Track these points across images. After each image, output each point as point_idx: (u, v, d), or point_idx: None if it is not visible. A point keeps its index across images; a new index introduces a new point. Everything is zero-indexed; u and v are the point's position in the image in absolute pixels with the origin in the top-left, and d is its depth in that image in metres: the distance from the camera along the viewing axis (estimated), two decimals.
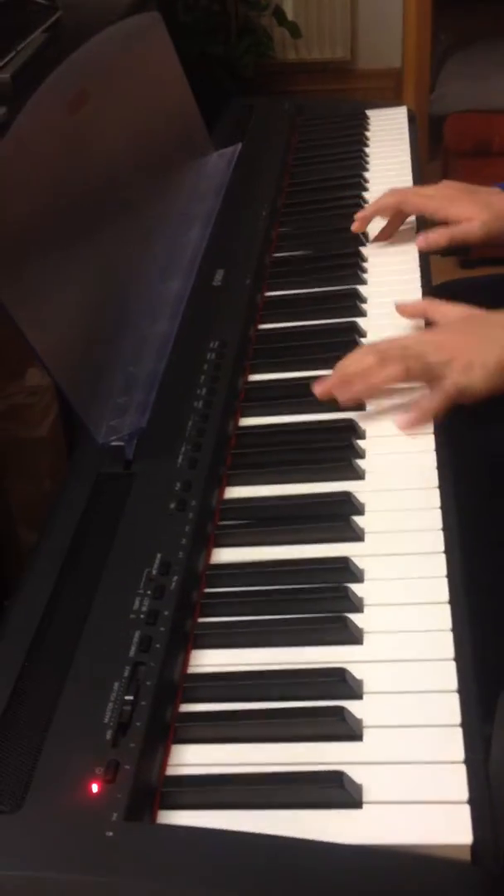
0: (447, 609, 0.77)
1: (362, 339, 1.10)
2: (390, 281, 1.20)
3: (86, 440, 0.93)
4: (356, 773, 0.66)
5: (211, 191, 1.35)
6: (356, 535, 0.85)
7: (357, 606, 0.79)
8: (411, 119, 1.63)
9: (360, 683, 0.73)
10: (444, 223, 1.22)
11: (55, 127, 1.02)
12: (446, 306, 1.06)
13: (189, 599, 0.80)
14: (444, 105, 2.76)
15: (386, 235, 1.28)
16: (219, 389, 1.00)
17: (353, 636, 0.76)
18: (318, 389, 0.99)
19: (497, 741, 0.77)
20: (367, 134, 1.59)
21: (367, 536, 0.86)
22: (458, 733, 0.68)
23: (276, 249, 1.30)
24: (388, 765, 0.67)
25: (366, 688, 0.73)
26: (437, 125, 2.77)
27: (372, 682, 0.73)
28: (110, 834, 0.62)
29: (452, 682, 0.72)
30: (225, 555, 0.86)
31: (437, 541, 0.83)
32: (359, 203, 1.36)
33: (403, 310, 1.09)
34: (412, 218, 1.29)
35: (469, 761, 0.66)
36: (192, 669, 0.76)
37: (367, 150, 1.53)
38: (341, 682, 0.72)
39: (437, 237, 1.21)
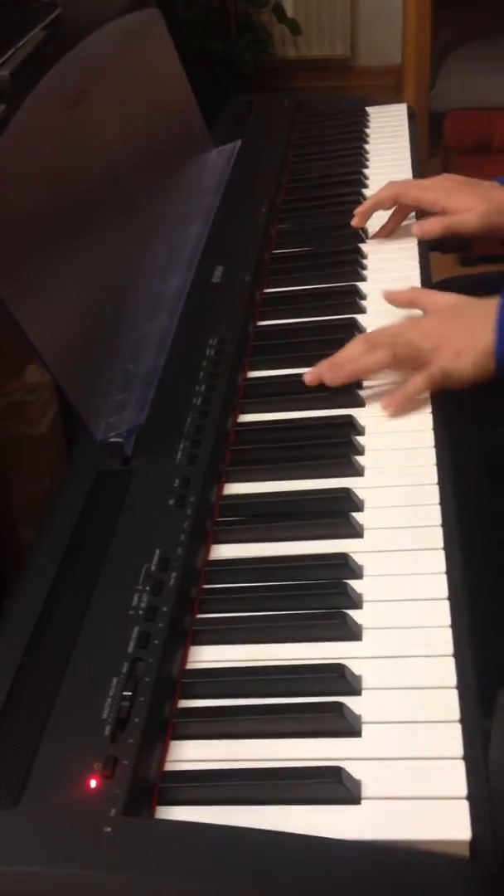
0: (446, 605, 0.77)
1: None
2: (390, 278, 1.19)
3: (85, 437, 0.93)
4: (355, 769, 0.66)
5: (210, 187, 1.35)
6: (355, 532, 0.85)
7: (356, 603, 0.79)
8: (411, 116, 1.62)
9: (358, 679, 0.73)
10: (441, 215, 1.22)
11: (54, 124, 1.02)
12: (435, 294, 1.07)
13: (188, 596, 0.80)
14: (445, 102, 2.75)
15: (387, 232, 1.28)
16: (218, 386, 1.00)
17: (351, 632, 0.76)
18: (309, 376, 1.00)
19: (496, 737, 0.77)
20: (367, 131, 1.58)
21: (366, 533, 0.86)
22: (457, 729, 0.68)
23: (276, 246, 1.30)
24: (386, 761, 0.67)
25: (364, 684, 0.73)
26: (438, 122, 2.77)
27: (371, 678, 0.73)
28: (108, 829, 0.62)
29: (451, 678, 0.72)
30: (224, 551, 0.86)
31: (437, 537, 0.83)
32: (358, 200, 1.35)
33: (392, 298, 1.11)
34: (413, 215, 1.29)
35: (468, 757, 0.67)
36: (190, 665, 0.76)
37: (366, 146, 1.53)
38: (340, 678, 0.72)
39: (431, 225, 1.21)
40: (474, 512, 0.92)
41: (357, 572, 0.82)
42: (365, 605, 0.79)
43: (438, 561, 0.81)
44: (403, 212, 1.27)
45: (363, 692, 0.72)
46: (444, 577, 0.80)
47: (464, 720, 0.69)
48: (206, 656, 0.77)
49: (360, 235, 1.28)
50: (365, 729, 0.70)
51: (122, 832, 0.62)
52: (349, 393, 1.01)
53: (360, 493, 0.89)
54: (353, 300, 1.16)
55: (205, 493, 0.88)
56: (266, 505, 0.90)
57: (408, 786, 0.66)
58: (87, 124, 1.08)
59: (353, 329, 1.10)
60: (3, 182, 0.89)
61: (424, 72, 2.86)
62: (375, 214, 1.29)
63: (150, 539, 0.82)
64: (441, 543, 0.83)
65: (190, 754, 0.70)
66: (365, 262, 1.24)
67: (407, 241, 1.26)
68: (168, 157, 1.30)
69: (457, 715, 0.69)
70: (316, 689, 0.72)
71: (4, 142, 0.93)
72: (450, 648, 0.74)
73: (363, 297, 1.17)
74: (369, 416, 0.99)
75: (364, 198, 1.36)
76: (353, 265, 1.22)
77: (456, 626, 0.76)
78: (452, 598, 0.78)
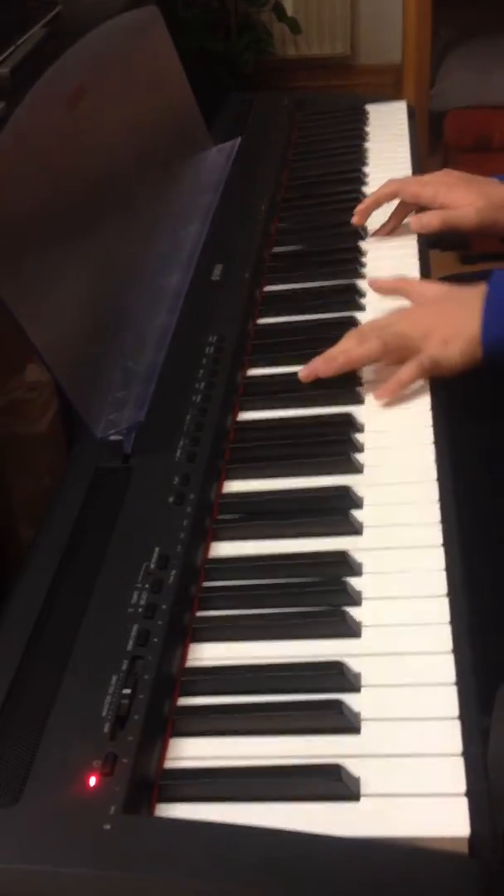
0: (445, 602, 0.77)
1: None
2: (389, 276, 1.19)
3: (85, 435, 0.93)
4: (354, 766, 0.66)
5: (210, 186, 1.35)
6: (354, 529, 0.85)
7: (355, 600, 0.79)
8: (411, 114, 1.62)
9: (357, 677, 0.73)
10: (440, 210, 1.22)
11: (54, 122, 1.02)
12: (420, 283, 1.09)
13: (187, 593, 0.80)
14: (445, 100, 2.75)
15: (388, 230, 1.28)
16: (217, 384, 1.00)
17: (351, 629, 0.76)
18: (303, 373, 1.01)
19: (495, 734, 0.77)
20: (367, 129, 1.58)
21: (365, 530, 0.86)
22: (456, 726, 0.68)
23: (275, 244, 1.30)
24: (385, 758, 0.67)
25: (364, 681, 0.73)
26: (438, 121, 2.76)
27: (370, 675, 0.73)
28: (108, 827, 0.62)
29: (450, 675, 0.72)
30: (223, 549, 0.86)
31: (436, 534, 0.83)
32: (358, 198, 1.35)
33: (377, 285, 1.12)
34: (413, 212, 1.29)
35: (467, 754, 0.66)
36: (190, 663, 0.76)
37: (366, 145, 1.53)
38: (339, 676, 0.72)
39: (430, 219, 1.21)
40: (474, 509, 0.92)
41: (356, 569, 0.82)
42: (364, 603, 0.79)
43: (438, 558, 0.81)
44: (404, 210, 1.27)
45: (362, 689, 0.72)
46: (444, 574, 0.80)
47: (463, 717, 0.69)
48: (206, 654, 0.77)
49: (360, 233, 1.28)
50: (364, 726, 0.70)
51: (121, 830, 0.62)
52: (348, 390, 1.01)
53: (360, 491, 0.89)
54: (352, 298, 1.16)
55: (204, 491, 0.88)
56: (265, 502, 0.90)
57: (407, 783, 0.66)
58: (86, 122, 1.08)
59: (352, 327, 1.10)
60: (2, 180, 0.89)
61: (424, 70, 2.86)
62: (375, 212, 1.29)
63: (149, 537, 0.82)
64: (440, 540, 0.83)
65: (189, 752, 0.70)
66: (364, 260, 1.24)
67: (406, 238, 1.26)
68: (167, 156, 1.30)
69: (456, 712, 0.69)
70: (315, 686, 0.72)
71: (4, 139, 0.92)
72: (449, 645, 0.74)
73: (362, 295, 1.16)
74: (369, 414, 0.99)
75: (364, 196, 1.36)
76: (352, 263, 1.22)
77: (455, 623, 0.76)
78: (451, 595, 0.78)
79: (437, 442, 0.94)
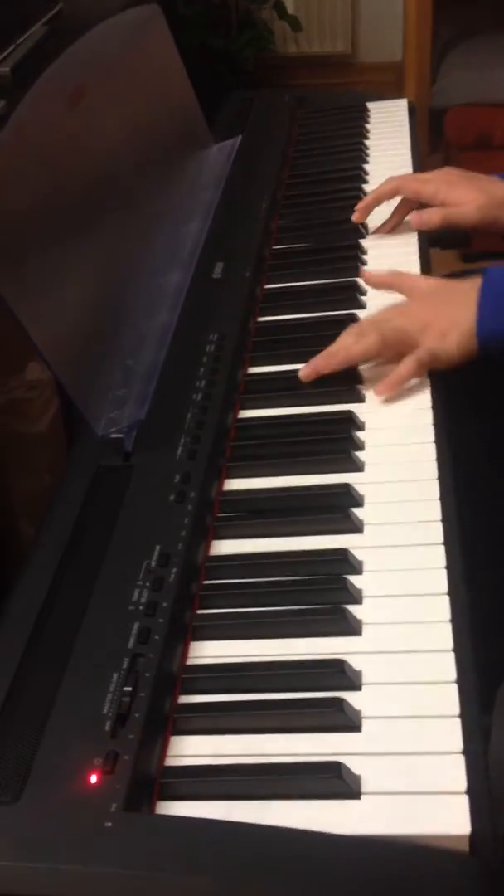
0: (446, 600, 0.77)
1: None
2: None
3: (86, 433, 0.93)
4: (355, 764, 0.66)
5: (211, 183, 1.35)
6: (355, 527, 0.85)
7: (356, 598, 0.79)
8: (411, 111, 1.62)
9: (358, 675, 0.73)
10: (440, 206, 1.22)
11: (54, 120, 1.02)
12: (414, 278, 1.10)
13: (188, 591, 0.80)
14: (445, 98, 2.75)
15: (389, 227, 1.28)
16: (218, 382, 1.00)
17: (351, 627, 0.76)
18: (304, 372, 1.02)
19: (496, 733, 0.77)
20: (368, 126, 1.58)
21: (366, 528, 0.86)
22: (457, 724, 0.68)
23: (276, 242, 1.30)
24: (386, 755, 0.67)
25: (364, 679, 0.73)
26: (438, 118, 2.76)
27: (371, 673, 0.73)
28: (109, 824, 0.62)
29: (451, 673, 0.72)
30: (224, 546, 0.86)
31: (437, 532, 0.83)
32: (359, 196, 1.35)
33: (371, 279, 1.13)
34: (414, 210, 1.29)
35: (468, 752, 0.66)
36: (190, 661, 0.76)
37: (367, 142, 1.53)
38: (340, 674, 0.72)
39: (430, 216, 1.21)
40: (474, 507, 0.92)
41: (357, 568, 0.82)
42: (365, 601, 0.79)
43: (438, 556, 0.81)
44: (405, 207, 1.27)
45: (363, 687, 0.72)
46: (445, 572, 0.80)
47: (463, 715, 0.69)
48: (207, 652, 0.77)
49: (361, 231, 1.28)
50: (365, 724, 0.70)
51: (122, 827, 0.62)
52: (349, 388, 1.01)
53: (360, 489, 0.89)
54: (353, 296, 1.16)
55: (205, 489, 0.88)
56: (266, 500, 0.90)
57: (407, 781, 0.66)
58: (87, 120, 1.08)
59: (353, 324, 1.10)
60: (3, 178, 0.89)
61: (425, 68, 2.86)
62: (376, 210, 1.29)
63: (150, 535, 0.82)
64: (441, 538, 0.83)
65: (190, 749, 0.70)
66: (365, 257, 1.24)
67: (407, 236, 1.26)
68: (168, 153, 1.30)
69: (456, 710, 0.69)
70: (316, 684, 0.72)
71: (5, 138, 0.92)
72: (450, 644, 0.74)
73: (363, 293, 1.16)
74: (369, 412, 0.99)
75: (364, 193, 1.36)
76: (353, 261, 1.22)
77: (456, 621, 0.76)
78: (452, 593, 0.78)
79: (438, 440, 0.94)
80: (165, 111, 1.33)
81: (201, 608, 0.80)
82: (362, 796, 0.65)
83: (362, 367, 1.04)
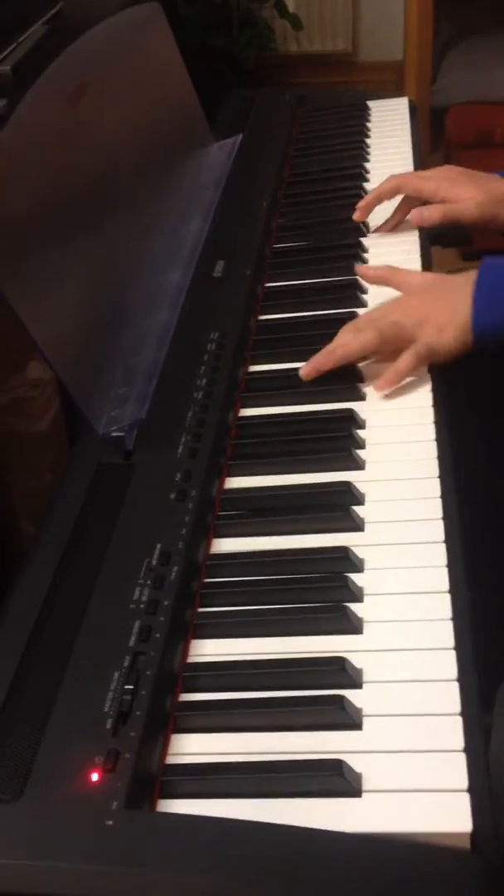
0: (447, 598, 0.77)
1: None
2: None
3: (87, 432, 0.93)
4: (356, 762, 0.66)
5: (211, 182, 1.35)
6: (356, 525, 0.85)
7: (357, 596, 0.79)
8: (412, 110, 1.62)
9: (359, 672, 0.73)
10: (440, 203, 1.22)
11: (55, 119, 1.02)
12: (408, 273, 1.10)
13: (189, 589, 0.80)
14: (446, 96, 2.75)
15: (391, 225, 1.28)
16: (219, 380, 1.00)
17: (352, 625, 0.76)
18: (304, 371, 1.02)
19: (497, 731, 0.77)
20: (369, 125, 1.58)
21: (366, 526, 0.86)
22: (458, 722, 0.68)
23: (277, 240, 1.30)
24: (387, 754, 0.67)
25: (365, 677, 0.73)
26: (439, 117, 2.76)
27: (372, 671, 0.73)
28: (110, 822, 0.62)
29: (452, 671, 0.72)
30: (225, 545, 0.86)
31: (438, 530, 0.83)
32: (360, 194, 1.35)
33: (364, 273, 1.13)
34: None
35: (469, 750, 0.66)
36: (191, 659, 0.76)
37: (368, 140, 1.53)
38: (341, 672, 0.72)
39: (430, 213, 1.21)
40: (475, 506, 0.92)
41: (358, 566, 0.82)
42: (366, 599, 0.79)
43: (440, 554, 0.81)
44: (407, 205, 1.27)
45: (364, 685, 0.72)
46: (446, 570, 0.80)
47: (465, 713, 0.69)
48: (208, 650, 0.77)
49: (362, 229, 1.28)
50: (366, 722, 0.70)
51: (123, 825, 0.62)
52: (350, 387, 1.01)
53: (361, 487, 0.89)
54: (353, 294, 1.15)
55: (206, 487, 0.88)
56: (267, 499, 0.90)
57: (409, 778, 0.66)
58: (87, 119, 1.08)
59: None
60: (3, 177, 0.89)
61: (426, 67, 2.85)
62: (377, 209, 1.29)
63: (151, 533, 0.82)
64: (442, 537, 0.83)
65: (191, 748, 0.70)
66: (366, 256, 1.24)
67: (408, 235, 1.26)
68: (169, 152, 1.30)
69: (458, 708, 0.69)
70: (317, 682, 0.72)
71: (5, 137, 0.92)
72: (451, 641, 0.74)
73: (364, 291, 1.16)
74: (370, 410, 0.99)
75: (365, 192, 1.36)
76: (353, 259, 1.22)
77: (457, 619, 0.76)
78: (453, 591, 0.78)
79: (439, 438, 0.94)
80: (166, 110, 1.33)
81: (202, 606, 0.80)
82: (363, 794, 0.65)
83: (363, 365, 1.04)
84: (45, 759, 0.66)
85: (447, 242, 1.29)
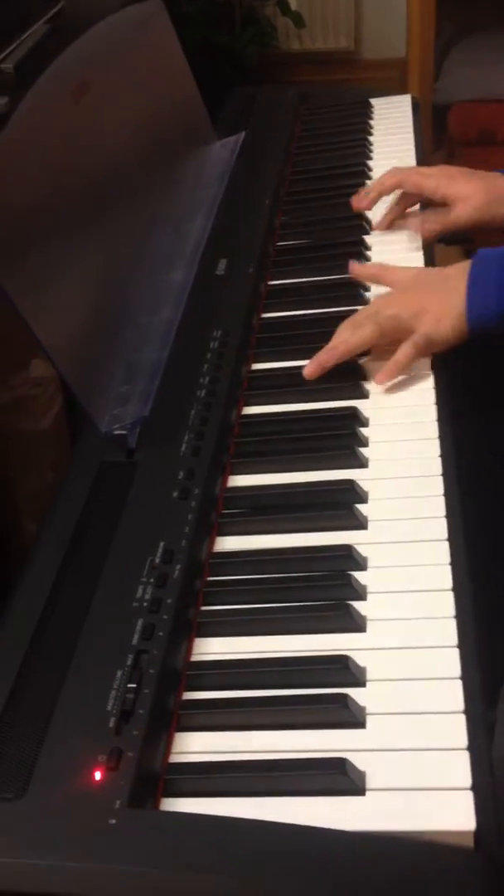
0: (450, 596, 0.77)
1: None
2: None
3: (89, 429, 0.93)
4: (359, 760, 0.66)
5: (214, 180, 1.35)
6: (359, 523, 0.85)
7: (360, 594, 0.79)
8: (415, 107, 1.62)
9: (363, 671, 0.73)
10: (442, 203, 1.22)
11: (58, 116, 1.02)
12: (397, 270, 1.11)
13: (192, 587, 0.80)
14: (449, 94, 2.74)
15: (389, 220, 1.27)
16: (222, 378, 0.99)
17: (356, 624, 0.76)
18: (308, 370, 1.02)
19: (501, 728, 0.77)
20: (371, 122, 1.58)
21: (370, 524, 0.85)
22: (462, 720, 0.68)
23: (280, 238, 1.30)
24: (390, 752, 0.67)
25: (369, 675, 0.73)
26: (442, 114, 2.76)
27: (375, 669, 0.73)
28: (113, 821, 0.62)
29: (456, 669, 0.72)
30: (228, 543, 0.86)
31: (441, 528, 0.83)
32: None
33: (357, 272, 1.14)
34: (416, 207, 1.29)
35: (472, 748, 0.66)
36: (194, 657, 0.76)
37: (370, 138, 1.53)
38: (344, 670, 0.72)
39: (430, 226, 1.22)
40: (479, 504, 0.92)
41: (361, 564, 0.81)
42: (369, 597, 0.79)
43: (443, 552, 0.81)
44: (406, 201, 1.27)
45: (367, 683, 0.72)
46: (449, 568, 0.80)
47: (468, 711, 0.69)
48: (211, 648, 0.77)
49: (364, 227, 1.28)
50: (369, 720, 0.69)
51: (126, 824, 0.62)
52: (353, 385, 1.01)
53: (365, 485, 0.89)
54: (356, 292, 1.15)
55: (209, 485, 0.88)
56: (270, 497, 0.90)
57: (412, 777, 0.66)
58: (90, 116, 1.07)
59: None
60: (6, 175, 0.89)
61: (428, 64, 2.85)
62: (378, 206, 1.29)
63: (154, 531, 0.82)
64: (445, 535, 0.82)
65: (194, 746, 0.70)
66: (369, 253, 1.24)
67: (411, 232, 1.26)
68: (171, 150, 1.30)
69: (461, 706, 0.69)
70: (320, 680, 0.72)
71: (8, 135, 0.92)
72: (454, 639, 0.74)
73: (367, 289, 1.16)
74: (373, 408, 0.99)
75: None
76: (356, 257, 1.22)
77: (460, 617, 0.75)
78: (456, 589, 0.78)
79: (442, 436, 0.93)
80: (168, 107, 1.32)
81: (205, 605, 0.80)
82: (367, 792, 0.65)
83: (365, 363, 1.04)
84: (48, 757, 0.66)
85: (450, 240, 1.29)
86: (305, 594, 0.79)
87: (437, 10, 2.76)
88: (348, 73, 3.17)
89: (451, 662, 0.72)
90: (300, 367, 1.03)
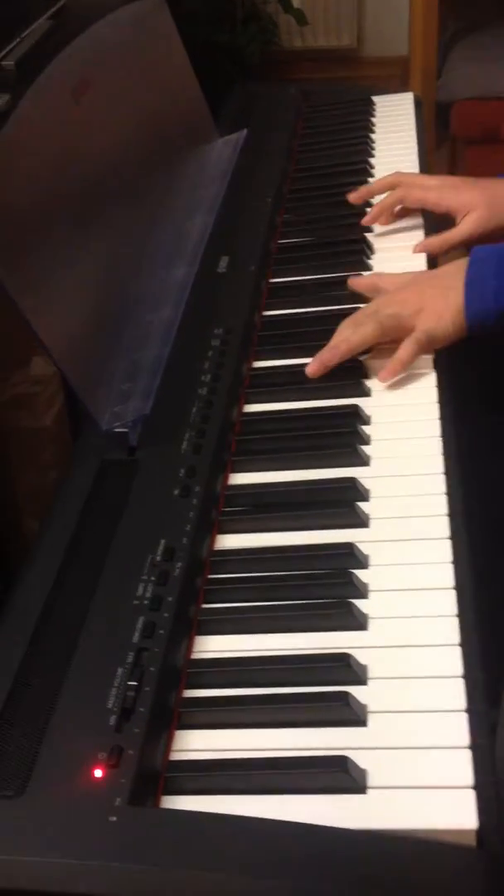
0: (453, 594, 0.77)
1: None
2: (396, 268, 1.19)
3: (90, 427, 0.93)
4: (360, 759, 0.66)
5: (216, 177, 1.35)
6: (361, 521, 0.85)
7: (362, 592, 0.79)
8: (417, 105, 1.62)
9: (364, 669, 0.73)
10: (445, 214, 1.22)
11: (59, 114, 1.02)
12: (391, 275, 1.12)
13: (193, 585, 0.80)
14: (451, 92, 2.74)
15: (385, 215, 1.27)
16: (223, 376, 0.99)
17: (357, 622, 0.76)
18: (310, 369, 1.02)
19: (503, 730, 0.76)
20: (373, 120, 1.58)
21: (371, 522, 0.85)
22: (464, 719, 0.68)
23: (281, 236, 1.29)
24: (392, 750, 0.67)
25: (370, 673, 0.72)
26: (444, 112, 2.76)
27: (376, 667, 0.73)
28: (114, 819, 0.62)
29: (458, 667, 0.72)
30: (229, 541, 0.86)
31: (443, 526, 0.83)
32: None
33: (355, 284, 1.14)
34: (419, 219, 1.28)
35: (474, 746, 0.66)
36: (195, 655, 0.76)
37: (372, 136, 1.53)
38: (346, 668, 0.72)
39: (430, 244, 1.21)
40: (482, 502, 0.91)
41: (363, 562, 0.81)
42: (371, 595, 0.79)
43: (445, 550, 0.81)
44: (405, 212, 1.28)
45: (369, 682, 0.72)
46: (451, 566, 0.79)
47: (470, 710, 0.69)
48: (212, 646, 0.77)
49: (366, 226, 1.28)
50: (371, 718, 0.69)
51: (127, 822, 0.62)
52: (355, 383, 1.01)
53: (366, 483, 0.89)
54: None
55: (210, 483, 0.88)
56: (271, 495, 0.90)
57: (414, 775, 0.65)
58: (91, 114, 1.07)
59: None
60: (7, 173, 0.89)
61: (431, 62, 2.85)
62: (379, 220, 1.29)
63: (155, 529, 0.82)
64: (447, 533, 0.82)
65: (195, 744, 0.70)
66: (371, 252, 1.23)
67: (413, 231, 1.26)
68: (173, 147, 1.30)
69: (463, 704, 0.69)
70: (321, 678, 0.72)
71: (9, 131, 0.92)
72: (456, 638, 0.74)
73: None
74: (375, 406, 0.98)
75: None
76: (358, 255, 1.22)
77: (462, 615, 0.75)
78: (459, 587, 0.78)
79: (444, 434, 0.93)
80: (170, 105, 1.32)
81: (206, 602, 0.80)
82: (368, 791, 0.65)
83: (366, 361, 1.04)
84: (49, 755, 0.66)
85: None
86: (307, 592, 0.79)
87: (439, 7, 2.76)
88: (350, 70, 3.17)
89: (454, 661, 0.72)
90: (302, 365, 1.03)
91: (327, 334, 1.05)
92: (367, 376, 1.02)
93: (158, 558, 0.79)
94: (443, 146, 2.86)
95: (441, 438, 0.93)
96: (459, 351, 1.03)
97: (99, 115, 1.09)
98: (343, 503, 0.87)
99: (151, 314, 1.07)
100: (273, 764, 0.67)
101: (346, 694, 0.70)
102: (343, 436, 0.94)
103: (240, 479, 0.93)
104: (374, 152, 1.48)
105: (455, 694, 0.70)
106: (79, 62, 1.08)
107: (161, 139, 1.26)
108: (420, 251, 1.21)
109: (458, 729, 0.67)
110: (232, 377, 1.00)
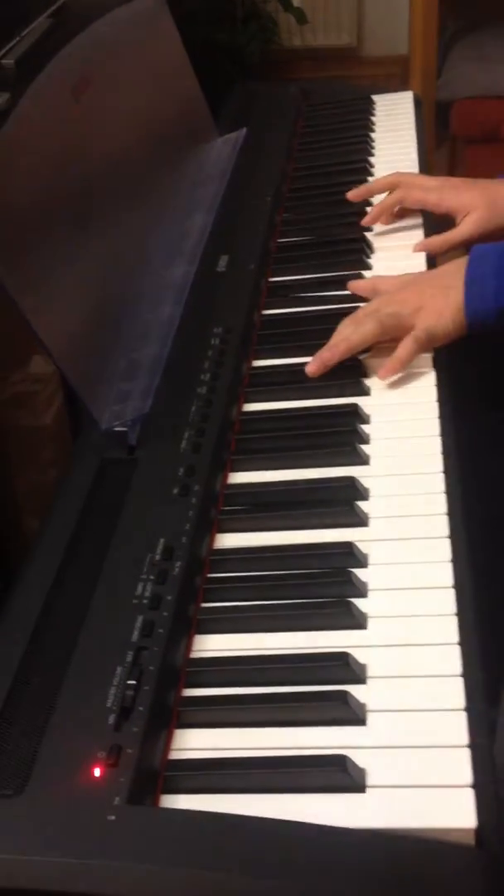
0: (452, 594, 0.77)
1: None
2: (396, 267, 1.19)
3: (90, 426, 0.93)
4: (359, 758, 0.66)
5: (215, 176, 1.35)
6: (360, 520, 0.85)
7: (361, 591, 0.79)
8: (417, 104, 1.62)
9: (363, 668, 0.73)
10: (445, 215, 1.22)
11: (58, 112, 1.02)
12: (389, 277, 1.12)
13: (192, 584, 0.80)
14: (451, 91, 2.74)
15: (384, 216, 1.27)
16: (223, 375, 0.99)
17: (356, 621, 0.76)
18: (310, 368, 1.02)
19: (502, 726, 0.76)
20: (373, 119, 1.58)
21: (371, 521, 0.85)
22: (463, 717, 0.68)
23: (281, 235, 1.29)
24: (391, 749, 0.67)
25: (369, 672, 0.72)
26: (444, 111, 2.75)
27: (375, 666, 0.73)
28: (113, 818, 0.62)
29: (457, 666, 0.72)
30: (228, 540, 0.86)
31: (442, 525, 0.83)
32: None
33: (355, 287, 1.14)
34: (418, 220, 1.28)
35: (473, 745, 0.66)
36: (194, 654, 0.76)
37: (372, 135, 1.53)
38: (345, 667, 0.72)
39: (431, 244, 1.21)
40: (481, 501, 0.91)
41: (362, 561, 0.81)
42: (370, 594, 0.79)
43: (444, 549, 0.81)
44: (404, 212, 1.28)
45: (368, 681, 0.72)
46: (450, 565, 0.79)
47: (469, 708, 0.69)
48: (211, 645, 0.77)
49: (366, 225, 1.28)
50: (370, 717, 0.69)
51: (126, 821, 0.62)
52: (354, 382, 1.01)
53: (366, 482, 0.89)
54: None
55: (209, 482, 0.88)
56: (271, 494, 0.90)
57: (413, 774, 0.65)
58: (91, 112, 1.07)
59: None
60: (6, 171, 0.89)
61: (431, 61, 2.84)
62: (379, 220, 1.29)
63: (154, 528, 0.82)
64: (447, 532, 0.82)
65: (194, 743, 0.70)
66: (371, 251, 1.23)
67: (412, 230, 1.26)
68: (173, 146, 1.30)
69: (462, 703, 0.69)
70: (321, 677, 0.72)
71: (8, 130, 0.92)
72: (455, 637, 0.74)
73: None
74: (374, 405, 0.98)
75: None
76: (358, 254, 1.22)
77: (462, 614, 0.75)
78: (458, 586, 0.78)
79: (444, 433, 0.93)
80: (170, 103, 1.32)
81: (205, 601, 0.80)
82: (367, 790, 0.65)
83: (366, 360, 1.04)
84: (48, 754, 0.66)
85: None
86: (306, 591, 0.79)
87: (439, 6, 2.76)
88: (350, 69, 3.17)
89: (453, 659, 0.72)
90: (301, 364, 1.03)
91: (327, 333, 1.05)
92: (366, 375, 1.02)
93: (158, 557, 0.79)
94: (443, 145, 2.86)
95: (440, 437, 0.93)
96: (459, 349, 1.03)
97: (99, 114, 1.09)
98: (342, 502, 0.87)
99: (151, 313, 1.07)
100: (272, 763, 0.67)
101: (345, 693, 0.70)
102: (342, 434, 0.94)
103: (239, 477, 0.93)
104: (373, 151, 1.48)
105: (454, 693, 0.70)
106: (79, 61, 1.08)
107: (161, 138, 1.26)
108: (420, 250, 1.21)
109: (458, 728, 0.67)
110: (231, 376, 1.00)
